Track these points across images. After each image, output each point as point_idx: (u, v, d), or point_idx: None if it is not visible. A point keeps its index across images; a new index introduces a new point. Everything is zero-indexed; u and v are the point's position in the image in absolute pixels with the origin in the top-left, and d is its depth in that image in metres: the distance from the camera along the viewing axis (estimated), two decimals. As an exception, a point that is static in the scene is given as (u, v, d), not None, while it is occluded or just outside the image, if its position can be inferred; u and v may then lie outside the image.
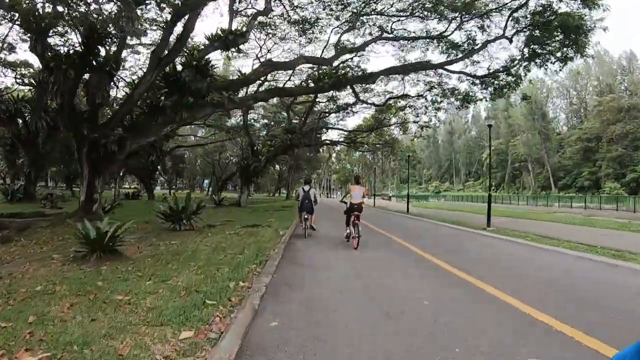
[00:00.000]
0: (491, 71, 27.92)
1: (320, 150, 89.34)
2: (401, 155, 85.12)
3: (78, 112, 19.72)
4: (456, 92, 33.79)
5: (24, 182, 38.13)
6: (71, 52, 19.16)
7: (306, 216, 15.12)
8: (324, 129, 51.28)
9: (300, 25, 28.18)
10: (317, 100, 42.85)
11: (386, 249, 12.93)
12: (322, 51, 29.25)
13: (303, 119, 42.20)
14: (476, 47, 25.51)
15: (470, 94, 32.56)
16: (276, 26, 29.96)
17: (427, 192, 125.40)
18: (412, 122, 41.99)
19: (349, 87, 29.35)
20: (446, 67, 27.51)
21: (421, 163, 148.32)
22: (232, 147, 70.28)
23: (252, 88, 30.18)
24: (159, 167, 61.17)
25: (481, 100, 32.90)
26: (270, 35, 30.68)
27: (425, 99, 37.77)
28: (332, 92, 41.97)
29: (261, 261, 9.20)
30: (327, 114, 46.57)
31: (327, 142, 54.67)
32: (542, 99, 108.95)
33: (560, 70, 26.80)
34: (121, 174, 39.97)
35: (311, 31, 28.82)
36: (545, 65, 25.97)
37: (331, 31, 29.07)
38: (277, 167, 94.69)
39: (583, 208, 46.81)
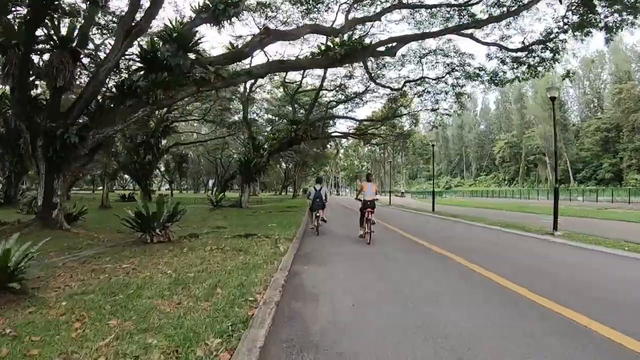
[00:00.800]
0: (529, 43, 24.05)
1: (328, 145, 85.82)
2: (413, 149, 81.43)
3: (32, 98, 16.03)
4: (483, 72, 29.99)
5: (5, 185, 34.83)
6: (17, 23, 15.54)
7: (318, 214, 15.52)
8: (331, 120, 47.31)
9: (305, 5, 24.72)
10: (324, 88, 39.11)
11: (435, 271, 8.67)
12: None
13: (308, 108, 38.19)
14: (524, 3, 21.46)
15: (500, 73, 28.82)
16: (277, 7, 26.55)
17: (437, 188, 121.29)
18: (430, 110, 37.98)
19: (362, 64, 25.75)
20: (477, 37, 23.71)
21: (435, 157, 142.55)
22: (236, 144, 67.15)
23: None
24: (157, 166, 57.51)
25: (511, 81, 29.19)
26: (271, 19, 27.50)
27: (446, 82, 34.07)
28: (340, 81, 38.47)
29: (233, 325, 4.83)
30: (335, 104, 42.51)
31: (336, 134, 50.15)
32: (560, 87, 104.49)
33: (611, 40, 22.78)
34: (109, 173, 36.12)
35: (316, 9, 25.29)
36: (589, 34, 22.18)
37: (338, 8, 25.59)
38: (284, 165, 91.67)
39: (610, 202, 43.19)
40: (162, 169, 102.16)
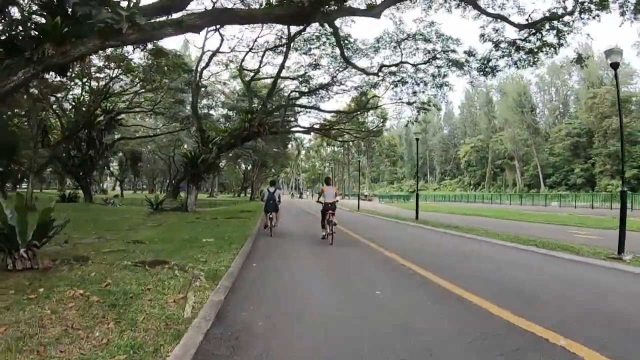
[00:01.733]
0: (535, 20, 19.84)
1: (289, 145, 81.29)
2: (380, 150, 77.45)
3: None
4: (472, 57, 25.86)
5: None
6: None
7: (271, 215, 15.76)
8: (292, 114, 42.36)
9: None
10: (285, 77, 34.48)
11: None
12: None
13: (266, 95, 33.00)
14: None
15: (492, 60, 24.70)
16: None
17: (401, 192, 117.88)
18: (406, 103, 33.46)
19: (333, 30, 21.14)
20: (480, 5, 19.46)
21: (403, 159, 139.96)
22: (190, 141, 61.69)
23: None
24: (100, 163, 51.72)
25: (502, 69, 25.22)
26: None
27: (425, 72, 29.86)
28: (304, 70, 33.82)
29: None
30: (297, 95, 37.35)
31: (298, 130, 44.47)
32: (530, 91, 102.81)
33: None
34: (32, 168, 30.70)
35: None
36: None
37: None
38: (243, 165, 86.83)
39: (590, 207, 39.82)
40: (116, 167, 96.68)
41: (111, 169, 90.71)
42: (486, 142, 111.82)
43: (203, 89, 40.48)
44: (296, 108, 40.94)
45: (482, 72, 26.33)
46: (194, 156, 28.82)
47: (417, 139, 26.95)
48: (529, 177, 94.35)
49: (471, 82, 29.57)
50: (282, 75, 32.61)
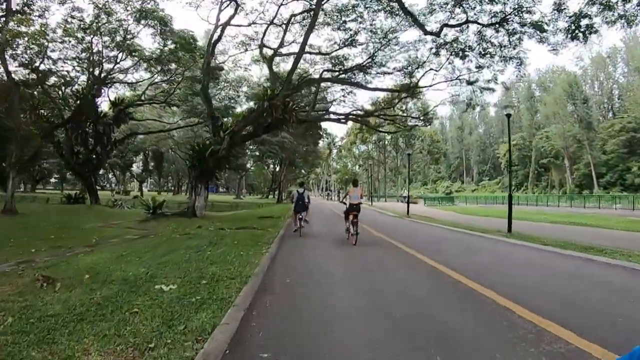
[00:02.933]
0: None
1: (320, 142, 75.63)
2: (421, 146, 71.20)
3: None
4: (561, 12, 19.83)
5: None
6: None
7: (300, 216, 15.95)
8: (325, 101, 36.22)
9: None
10: (312, 51, 28.72)
11: None
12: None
13: (291, 68, 25.40)
14: None
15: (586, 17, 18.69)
16: None
17: (435, 193, 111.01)
18: (466, 82, 27.20)
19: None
20: None
21: (447, 157, 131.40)
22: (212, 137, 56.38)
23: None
24: (107, 159, 47.18)
25: (599, 29, 19.12)
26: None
27: (491, 43, 23.81)
28: (337, 47, 28.14)
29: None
30: (329, 77, 31.13)
31: (332, 117, 34.43)
32: (583, 79, 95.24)
33: None
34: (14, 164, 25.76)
35: None
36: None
37: None
38: (272, 166, 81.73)
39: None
40: (139, 168, 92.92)
41: (133, 169, 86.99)
42: (529, 140, 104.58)
43: (220, 71, 35.16)
44: (329, 93, 34.98)
45: (571, 35, 20.24)
46: (202, 148, 23.18)
47: (507, 115, 18.05)
48: (579, 176, 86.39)
49: (554, 49, 22.80)
50: (310, 50, 26.93)
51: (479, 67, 25.71)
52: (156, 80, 39.57)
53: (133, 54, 33.34)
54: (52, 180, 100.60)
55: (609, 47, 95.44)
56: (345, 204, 14.61)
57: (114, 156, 74.33)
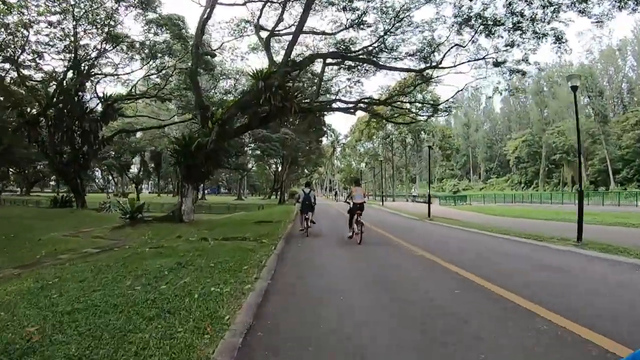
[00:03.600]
0: None
1: (323, 140, 72.51)
2: (433, 142, 67.77)
3: None
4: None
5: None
6: None
7: (307, 215, 16.15)
8: (328, 90, 32.76)
9: None
10: (314, 29, 25.39)
11: None
12: None
13: (289, 45, 21.57)
14: None
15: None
16: None
17: (442, 192, 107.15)
18: (493, 64, 23.74)
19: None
20: None
21: (459, 152, 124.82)
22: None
23: None
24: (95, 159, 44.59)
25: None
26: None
27: (520, 14, 20.58)
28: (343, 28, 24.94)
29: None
30: (333, 62, 27.77)
31: (340, 106, 29.97)
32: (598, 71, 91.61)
33: None
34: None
35: None
36: None
37: None
38: (274, 166, 78.74)
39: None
40: (135, 169, 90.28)
41: (133, 170, 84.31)
42: (538, 136, 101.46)
43: (212, 57, 32.18)
44: (333, 84, 31.58)
45: (619, 4, 17.01)
46: (187, 141, 19.85)
47: (573, 88, 13.91)
48: (593, 173, 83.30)
49: (598, 21, 19.36)
50: (313, 30, 23.63)
51: (509, 46, 22.24)
52: (148, 73, 37.54)
53: (118, 40, 30.62)
54: (52, 182, 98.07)
55: (620, 39, 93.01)
56: (349, 203, 14.77)
57: (109, 157, 72.01)
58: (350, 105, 28.24)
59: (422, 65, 27.01)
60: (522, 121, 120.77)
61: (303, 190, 16.86)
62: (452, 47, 24.22)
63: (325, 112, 49.43)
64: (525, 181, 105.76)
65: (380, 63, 25.99)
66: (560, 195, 58.29)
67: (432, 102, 30.69)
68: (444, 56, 24.88)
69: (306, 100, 25.83)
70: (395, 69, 26.32)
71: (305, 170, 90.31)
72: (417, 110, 32.07)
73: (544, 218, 22.98)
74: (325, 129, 63.62)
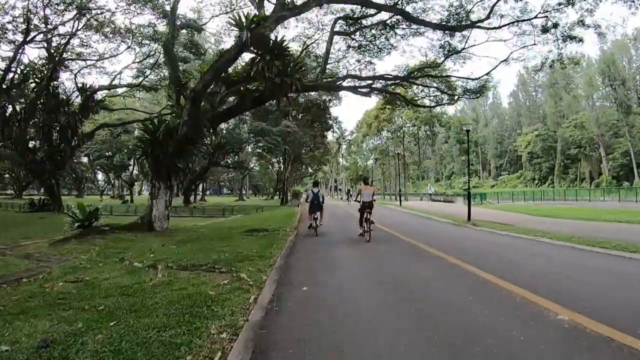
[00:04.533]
0: None
1: (330, 135, 68.40)
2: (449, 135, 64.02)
3: None
4: None
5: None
6: None
7: (316, 215, 15.86)
8: (338, 66, 27.69)
9: None
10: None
11: None
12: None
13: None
14: None
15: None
16: None
17: (451, 189, 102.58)
18: (541, 30, 19.24)
19: None
20: None
21: (478, 145, 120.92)
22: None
23: None
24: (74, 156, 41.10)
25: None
26: None
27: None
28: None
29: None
30: (345, 40, 23.31)
31: (353, 82, 24.59)
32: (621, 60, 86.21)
33: None
34: None
35: None
36: None
37: None
38: (277, 165, 74.93)
39: None
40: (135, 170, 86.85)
41: (127, 171, 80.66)
42: (553, 130, 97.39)
43: (198, 32, 28.41)
44: (340, 67, 27.04)
45: None
46: (156, 125, 15.37)
47: None
48: (614, 167, 78.91)
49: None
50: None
51: (563, 4, 17.69)
52: (135, 61, 34.85)
53: (82, 11, 26.96)
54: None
55: (635, 27, 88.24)
56: (358, 202, 14.63)
57: (100, 157, 68.34)
58: (364, 84, 23.42)
59: (448, 38, 22.65)
60: (532, 115, 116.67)
61: (312, 190, 16.69)
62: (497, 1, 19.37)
63: (332, 97, 45.01)
64: (539, 177, 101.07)
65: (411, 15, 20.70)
66: (587, 192, 53.57)
67: (467, 77, 25.14)
68: (491, 10, 19.79)
69: (309, 78, 21.32)
70: (429, 23, 21.02)
71: (310, 169, 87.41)
72: (446, 90, 26.80)
73: (614, 220, 18.14)
74: (330, 122, 59.12)
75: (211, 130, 18.42)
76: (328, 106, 52.70)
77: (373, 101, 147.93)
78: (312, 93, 43.39)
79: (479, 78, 24.56)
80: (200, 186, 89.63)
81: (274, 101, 17.94)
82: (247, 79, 15.30)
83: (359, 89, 23.01)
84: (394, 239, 14.36)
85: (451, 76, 25.30)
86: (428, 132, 73.06)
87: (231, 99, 18.73)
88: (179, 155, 15.34)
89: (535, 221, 19.41)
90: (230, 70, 16.14)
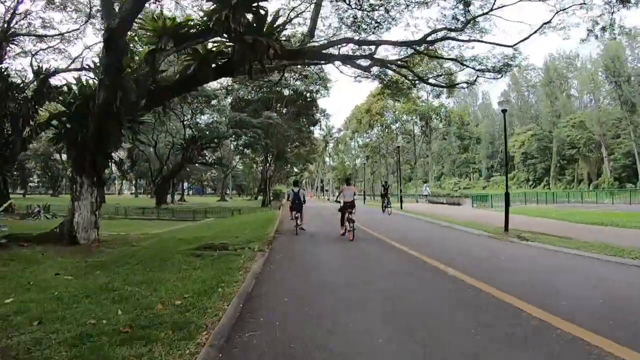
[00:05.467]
0: None
1: (317, 132, 64.47)
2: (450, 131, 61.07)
3: None
4: None
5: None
6: None
7: (297, 215, 16.03)
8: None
9: None
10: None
11: None
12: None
13: None
14: None
15: None
16: None
17: (442, 190, 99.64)
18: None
19: None
20: None
21: (479, 143, 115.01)
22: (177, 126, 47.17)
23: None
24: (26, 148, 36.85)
25: None
26: None
27: None
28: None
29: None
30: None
31: (349, 51, 20.60)
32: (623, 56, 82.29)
33: None
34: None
35: None
36: None
37: None
38: (260, 166, 71.48)
39: None
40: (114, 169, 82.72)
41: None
42: (548, 130, 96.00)
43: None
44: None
45: None
46: (74, 94, 10.90)
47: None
48: (618, 168, 76.44)
49: None
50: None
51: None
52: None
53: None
54: (33, 184, 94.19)
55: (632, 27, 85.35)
56: (339, 202, 14.59)
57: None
58: (367, 47, 18.81)
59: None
60: (524, 115, 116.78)
61: (292, 190, 17.01)
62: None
63: (320, 87, 40.88)
64: (533, 179, 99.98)
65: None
66: (595, 194, 50.20)
67: (500, 44, 20.21)
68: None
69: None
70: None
71: (295, 169, 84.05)
72: (462, 66, 22.13)
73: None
74: (318, 116, 55.08)
75: (161, 108, 13.88)
76: (315, 97, 49.03)
77: (364, 95, 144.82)
78: (298, 82, 39.53)
79: (514, 45, 19.77)
80: (180, 185, 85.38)
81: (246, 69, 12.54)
82: (205, 32, 10.80)
83: (356, 61, 18.48)
84: (439, 273, 8.27)
85: (481, 41, 20.32)
86: (424, 129, 68.86)
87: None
88: (100, 137, 10.58)
89: (584, 230, 14.53)
90: (181, 19, 11.57)
